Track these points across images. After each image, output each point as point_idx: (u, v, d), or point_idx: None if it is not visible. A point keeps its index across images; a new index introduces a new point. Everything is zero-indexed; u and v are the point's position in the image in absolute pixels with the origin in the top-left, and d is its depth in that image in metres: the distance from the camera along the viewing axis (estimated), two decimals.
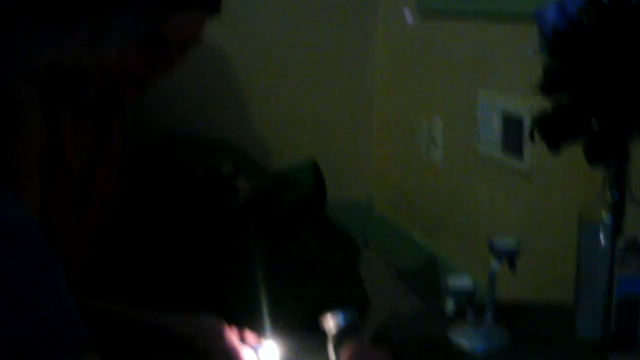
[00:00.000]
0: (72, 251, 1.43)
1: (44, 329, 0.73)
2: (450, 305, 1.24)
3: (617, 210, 1.18)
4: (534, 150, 1.99)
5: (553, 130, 1.20)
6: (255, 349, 1.37)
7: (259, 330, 1.45)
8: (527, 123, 2.00)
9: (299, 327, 2.01)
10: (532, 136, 1.22)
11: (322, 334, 1.30)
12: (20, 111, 1.26)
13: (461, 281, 1.26)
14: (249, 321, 1.46)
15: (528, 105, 2.00)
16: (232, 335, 1.37)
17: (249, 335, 1.42)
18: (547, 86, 1.19)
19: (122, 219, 2.09)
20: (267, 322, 1.49)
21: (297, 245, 2.40)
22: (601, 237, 1.19)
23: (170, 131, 2.65)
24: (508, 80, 2.15)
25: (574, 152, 1.29)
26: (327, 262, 2.40)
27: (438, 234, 2.63)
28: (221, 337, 1.36)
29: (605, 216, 1.18)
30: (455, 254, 2.49)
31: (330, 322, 1.24)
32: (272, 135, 3.03)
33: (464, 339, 1.30)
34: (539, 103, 1.28)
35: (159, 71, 1.37)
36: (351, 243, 2.57)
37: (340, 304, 2.35)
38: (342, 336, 1.23)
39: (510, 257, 1.30)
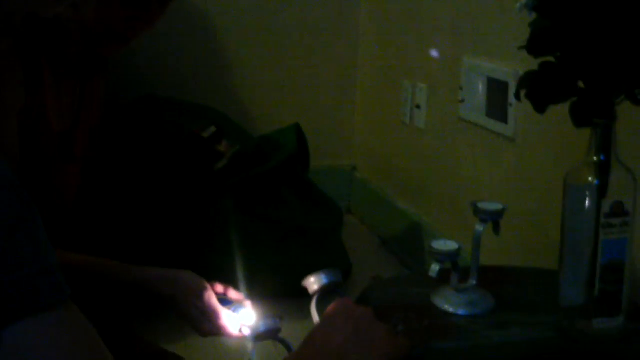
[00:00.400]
0: (53, 207, 1.41)
1: (24, 284, 0.71)
2: (434, 269, 1.23)
3: (603, 172, 1.16)
4: (518, 114, 1.98)
5: (540, 90, 1.18)
6: (235, 310, 1.36)
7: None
8: (512, 87, 1.98)
9: (280, 293, 2.00)
10: (517, 96, 1.20)
11: (303, 300, 1.29)
12: None
13: (445, 244, 1.25)
14: (229, 286, 1.44)
15: (513, 69, 1.98)
16: (212, 296, 1.36)
17: (233, 292, 1.41)
18: (534, 46, 1.16)
19: (103, 177, 2.07)
20: (244, 287, 1.48)
21: (279, 210, 2.39)
22: (587, 200, 1.17)
23: (153, 94, 2.62)
24: (493, 44, 2.13)
25: (559, 116, 1.27)
26: (309, 227, 2.39)
27: (421, 200, 2.62)
28: (201, 298, 1.35)
29: (591, 179, 1.17)
30: (439, 220, 2.48)
31: (313, 282, 1.22)
32: (255, 101, 3.00)
33: (448, 302, 1.29)
34: (524, 67, 1.26)
35: (138, 27, 1.35)
36: (334, 209, 2.56)
37: (322, 268, 2.35)
38: (324, 294, 1.22)
39: (494, 220, 1.28)
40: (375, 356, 0.99)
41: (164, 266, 1.42)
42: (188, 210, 2.29)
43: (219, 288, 1.41)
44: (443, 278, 1.29)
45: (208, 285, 1.38)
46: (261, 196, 2.36)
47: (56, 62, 1.36)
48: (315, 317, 1.18)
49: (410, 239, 2.61)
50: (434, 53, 2.44)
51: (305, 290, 1.25)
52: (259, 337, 1.21)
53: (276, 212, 2.37)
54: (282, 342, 1.22)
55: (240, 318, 1.34)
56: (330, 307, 1.05)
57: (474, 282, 1.30)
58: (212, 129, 2.41)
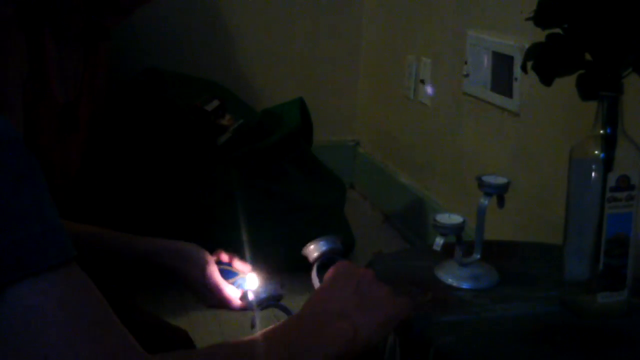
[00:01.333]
0: (56, 177, 1.41)
1: (29, 242, 0.70)
2: (438, 242, 1.22)
3: (609, 146, 1.15)
4: (523, 88, 1.97)
5: (546, 62, 1.17)
6: (238, 283, 1.36)
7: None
8: (517, 61, 1.97)
9: (282, 267, 2.00)
10: (524, 69, 1.19)
11: (305, 274, 1.28)
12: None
13: (450, 218, 1.24)
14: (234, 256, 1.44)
15: (518, 43, 1.97)
16: (214, 270, 1.36)
17: (238, 262, 1.41)
18: (541, 18, 1.15)
19: (106, 150, 2.06)
20: (249, 258, 1.48)
21: (282, 185, 2.38)
22: (592, 173, 1.16)
23: (156, 68, 2.61)
24: (498, 18, 2.11)
25: (564, 90, 1.26)
26: (312, 202, 2.38)
27: (425, 175, 2.61)
28: (204, 272, 1.35)
29: (597, 152, 1.16)
30: (442, 195, 2.47)
31: (312, 249, 1.21)
32: (258, 75, 2.99)
33: (452, 276, 1.28)
34: (529, 41, 1.25)
35: None
36: (337, 183, 2.56)
37: None
38: (324, 262, 1.21)
39: (499, 194, 1.28)
40: (376, 316, 0.99)
41: (167, 238, 1.42)
42: (191, 183, 2.29)
43: (224, 257, 1.41)
44: (447, 252, 1.28)
45: (211, 259, 1.38)
46: (264, 170, 2.36)
47: (59, 32, 1.35)
48: (316, 284, 1.17)
49: (414, 214, 2.60)
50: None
51: (306, 262, 1.25)
52: (261, 303, 1.21)
53: (279, 186, 2.36)
54: (284, 309, 1.22)
55: (245, 287, 1.34)
56: (331, 270, 1.05)
57: (478, 256, 1.30)
58: (215, 102, 2.40)
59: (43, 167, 1.36)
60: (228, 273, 1.38)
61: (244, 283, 1.36)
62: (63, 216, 1.38)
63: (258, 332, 0.93)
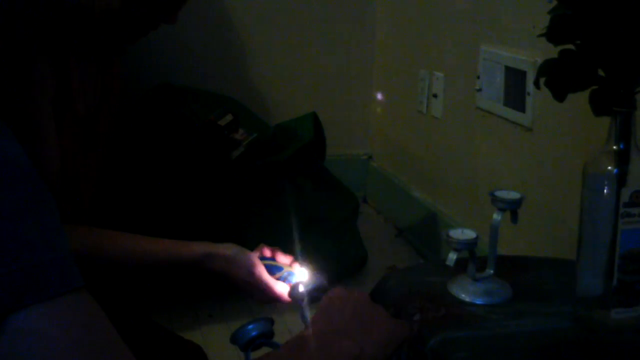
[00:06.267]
0: (80, 190, 1.43)
1: (35, 271, 0.69)
2: (451, 258, 1.22)
3: (622, 161, 1.15)
4: (536, 103, 1.97)
5: (559, 78, 1.17)
6: (286, 278, 1.37)
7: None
8: (530, 76, 1.97)
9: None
10: (537, 84, 1.19)
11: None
12: (24, 53, 1.24)
13: (463, 233, 1.24)
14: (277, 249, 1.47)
15: (531, 58, 1.97)
16: (262, 271, 1.38)
17: (281, 256, 1.42)
18: (554, 34, 1.15)
19: (123, 165, 2.08)
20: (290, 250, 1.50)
21: (295, 199, 2.38)
22: (606, 189, 1.16)
23: (170, 83, 2.62)
24: (511, 33, 2.11)
25: (577, 106, 1.26)
26: (325, 216, 2.39)
27: (438, 190, 2.61)
28: (252, 274, 1.37)
29: (610, 168, 1.16)
30: (455, 210, 2.47)
31: (298, 289, 1.23)
32: (272, 90, 3.00)
33: (465, 292, 1.28)
34: (542, 56, 1.25)
35: (160, 15, 1.36)
36: (350, 198, 2.56)
37: (338, 258, 2.35)
38: (314, 295, 1.22)
39: (512, 209, 1.28)
40: (378, 335, 0.99)
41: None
42: (205, 197, 2.29)
43: (267, 252, 1.43)
44: (460, 267, 1.28)
45: (256, 258, 1.39)
46: (277, 185, 2.36)
47: (80, 49, 1.37)
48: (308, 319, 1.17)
49: (426, 229, 2.60)
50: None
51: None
52: (310, 296, 1.21)
53: (292, 200, 2.36)
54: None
55: (294, 283, 1.34)
56: (326, 296, 1.06)
57: (492, 271, 1.30)
58: (229, 117, 2.40)
59: (69, 180, 1.38)
60: (272, 268, 1.39)
61: (291, 277, 1.36)
62: (88, 224, 1.40)
63: (263, 355, 0.93)
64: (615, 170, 1.15)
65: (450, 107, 2.51)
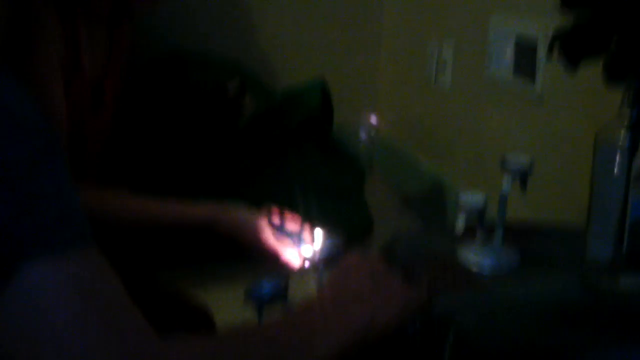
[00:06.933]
0: (88, 149, 1.43)
1: (46, 224, 0.70)
2: (460, 222, 1.22)
3: (635, 129, 1.15)
4: (546, 73, 1.96)
5: (573, 47, 1.16)
6: (295, 244, 1.36)
7: None
8: (541, 46, 1.96)
9: None
10: (550, 51, 1.18)
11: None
12: (37, 17, 1.25)
13: (473, 198, 1.24)
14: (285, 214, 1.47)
15: (542, 27, 1.96)
16: (269, 235, 1.38)
17: (290, 219, 1.42)
18: (568, 0, 1.14)
19: (130, 128, 2.08)
20: (300, 215, 1.49)
21: (303, 166, 2.38)
22: (617, 157, 1.16)
23: (178, 49, 2.61)
24: (522, 2, 2.10)
25: (588, 75, 1.26)
26: (332, 183, 2.39)
27: (445, 160, 2.61)
28: (259, 239, 1.37)
29: (623, 136, 1.16)
30: (463, 179, 2.47)
31: (312, 253, 1.21)
32: (279, 57, 2.99)
33: (473, 257, 1.28)
34: (553, 25, 1.24)
35: None
36: (357, 165, 2.56)
37: (344, 225, 2.35)
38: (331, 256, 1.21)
39: (522, 176, 1.27)
40: (394, 300, 0.98)
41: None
42: (212, 164, 2.29)
43: (276, 219, 1.43)
44: (468, 234, 1.28)
45: (264, 225, 1.39)
46: (285, 152, 2.36)
47: (89, 14, 1.37)
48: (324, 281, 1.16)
49: (433, 199, 2.60)
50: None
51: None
52: (326, 260, 1.19)
53: (298, 167, 2.36)
54: None
55: (304, 248, 1.33)
56: (342, 259, 1.05)
57: (500, 237, 1.30)
58: (237, 84, 2.40)
59: (77, 140, 1.39)
60: (282, 233, 1.39)
61: (299, 242, 1.35)
62: (95, 185, 1.40)
63: (275, 319, 0.93)
64: (627, 138, 1.15)
65: (459, 77, 2.50)
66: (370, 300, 0.96)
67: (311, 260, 1.26)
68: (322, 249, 1.24)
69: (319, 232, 1.36)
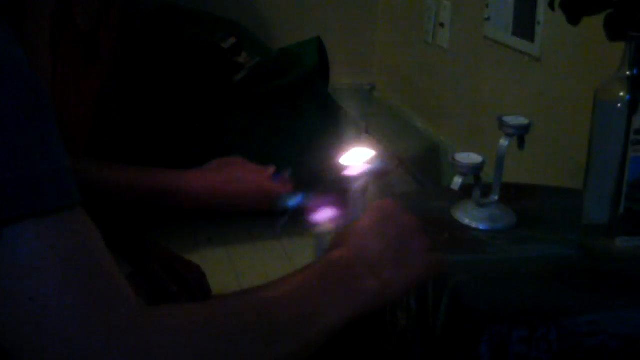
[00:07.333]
0: (81, 105, 1.41)
1: (28, 183, 0.67)
2: (456, 182, 1.20)
3: (635, 88, 1.13)
4: (545, 33, 1.93)
5: (573, 2, 1.14)
6: (301, 202, 1.30)
7: None
8: (541, 2, 1.93)
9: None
10: (552, 6, 1.16)
11: None
12: None
13: (469, 157, 1.22)
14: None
15: None
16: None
17: (283, 186, 1.39)
18: None
19: (124, 85, 2.05)
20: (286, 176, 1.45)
21: (298, 123, 2.36)
22: (617, 115, 1.14)
23: (173, 5, 2.58)
24: None
25: (587, 33, 1.24)
26: (328, 142, 2.37)
27: (441, 120, 2.59)
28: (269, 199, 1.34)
29: (623, 94, 1.13)
30: (459, 140, 2.45)
31: (354, 168, 1.07)
32: (275, 15, 2.96)
33: (469, 216, 1.27)
34: None
35: None
36: (353, 125, 2.54)
37: (336, 186, 2.33)
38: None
39: (519, 135, 1.26)
40: (409, 273, 0.91)
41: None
42: (207, 121, 2.27)
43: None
44: (464, 193, 1.27)
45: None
46: (280, 109, 2.34)
47: None
48: (355, 209, 1.04)
49: (429, 159, 2.59)
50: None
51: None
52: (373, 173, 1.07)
53: (296, 125, 2.34)
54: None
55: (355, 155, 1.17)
56: (374, 208, 0.95)
57: (496, 197, 1.28)
58: (232, 40, 2.37)
59: (68, 96, 1.36)
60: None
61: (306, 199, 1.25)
62: (88, 150, 1.38)
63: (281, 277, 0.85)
64: (627, 97, 1.13)
65: (458, 37, 2.47)
66: (385, 271, 0.89)
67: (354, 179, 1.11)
68: (371, 165, 1.08)
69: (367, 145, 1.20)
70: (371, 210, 0.96)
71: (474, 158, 1.22)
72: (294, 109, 2.36)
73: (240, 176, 1.37)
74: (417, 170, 2.68)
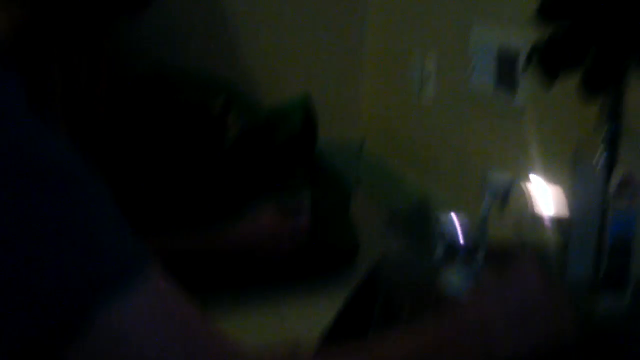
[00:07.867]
0: None
1: (104, 264, 0.69)
2: (440, 250, 1.20)
3: (613, 144, 1.13)
4: (529, 86, 1.94)
5: (550, 59, 1.14)
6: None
7: None
8: (523, 57, 1.94)
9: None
10: (528, 64, 1.16)
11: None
12: None
13: (452, 222, 1.21)
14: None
15: (525, 38, 1.93)
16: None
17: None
18: (544, 12, 1.13)
19: (113, 151, 2.06)
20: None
21: (288, 186, 2.36)
22: (595, 172, 1.14)
23: (161, 65, 2.59)
24: (504, 13, 2.08)
25: (569, 89, 1.24)
26: (317, 204, 2.36)
27: (429, 174, 2.58)
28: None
29: (600, 151, 1.14)
30: (447, 194, 2.44)
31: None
32: (263, 72, 2.97)
33: (454, 281, 1.26)
34: (535, 36, 1.22)
35: None
36: (343, 185, 2.54)
37: (329, 246, 2.33)
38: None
39: (504, 193, 1.25)
40: (528, 340, 0.86)
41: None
42: (197, 186, 2.27)
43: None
44: (450, 254, 1.26)
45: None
46: (269, 171, 2.34)
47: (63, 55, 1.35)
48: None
49: (418, 213, 2.58)
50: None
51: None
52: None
53: (285, 187, 2.34)
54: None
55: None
56: (511, 270, 0.90)
57: (482, 257, 1.27)
58: (221, 100, 2.38)
59: None
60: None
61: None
62: None
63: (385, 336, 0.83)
64: (605, 154, 1.13)
65: (442, 91, 2.48)
66: (508, 337, 0.85)
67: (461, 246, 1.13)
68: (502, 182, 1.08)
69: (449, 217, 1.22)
70: (509, 272, 0.92)
71: (457, 222, 1.22)
72: (283, 171, 2.36)
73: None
74: (408, 225, 2.67)
